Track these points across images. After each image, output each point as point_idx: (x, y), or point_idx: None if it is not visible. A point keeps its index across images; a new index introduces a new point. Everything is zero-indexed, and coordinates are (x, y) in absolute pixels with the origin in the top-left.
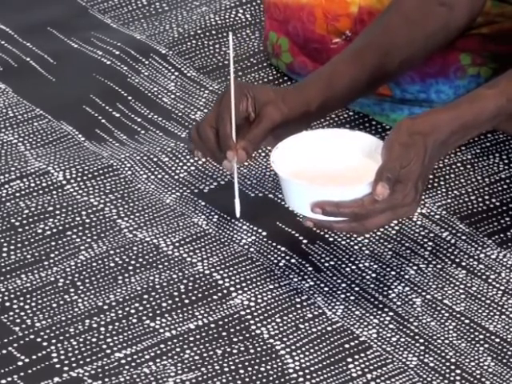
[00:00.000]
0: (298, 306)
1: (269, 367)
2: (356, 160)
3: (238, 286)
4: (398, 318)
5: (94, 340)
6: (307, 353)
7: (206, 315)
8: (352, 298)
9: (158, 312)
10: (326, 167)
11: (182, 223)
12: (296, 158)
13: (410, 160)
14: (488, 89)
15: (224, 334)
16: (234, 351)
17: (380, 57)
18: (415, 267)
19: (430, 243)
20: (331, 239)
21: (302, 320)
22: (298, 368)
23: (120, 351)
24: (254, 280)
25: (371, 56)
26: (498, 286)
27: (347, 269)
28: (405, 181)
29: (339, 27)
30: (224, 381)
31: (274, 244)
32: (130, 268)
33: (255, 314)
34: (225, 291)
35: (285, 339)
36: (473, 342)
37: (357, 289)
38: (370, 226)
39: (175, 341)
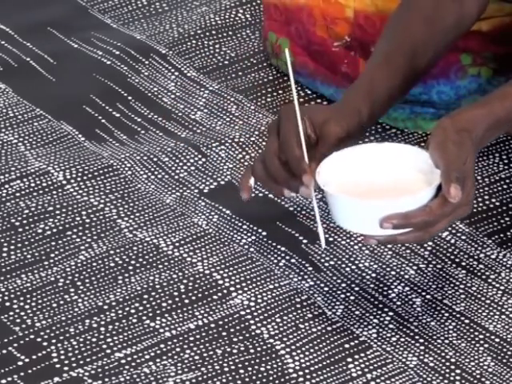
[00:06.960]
0: (298, 305)
1: (269, 367)
2: (399, 172)
3: (238, 286)
4: (397, 317)
5: (94, 340)
6: (307, 353)
7: (206, 315)
8: (352, 297)
9: (157, 312)
10: (371, 182)
11: (182, 223)
12: (339, 175)
13: (466, 157)
14: None
15: (224, 333)
16: (234, 351)
17: (409, 60)
18: (415, 267)
19: (430, 243)
20: (331, 239)
21: (301, 320)
22: (297, 368)
23: (120, 351)
24: (254, 280)
25: (401, 60)
26: (497, 285)
27: (347, 269)
28: (465, 179)
29: (338, 32)
30: (224, 381)
31: (274, 244)
32: (130, 268)
33: (255, 313)
34: (225, 291)
35: (285, 339)
36: (473, 342)
37: (357, 289)
38: (434, 231)
39: (175, 341)
